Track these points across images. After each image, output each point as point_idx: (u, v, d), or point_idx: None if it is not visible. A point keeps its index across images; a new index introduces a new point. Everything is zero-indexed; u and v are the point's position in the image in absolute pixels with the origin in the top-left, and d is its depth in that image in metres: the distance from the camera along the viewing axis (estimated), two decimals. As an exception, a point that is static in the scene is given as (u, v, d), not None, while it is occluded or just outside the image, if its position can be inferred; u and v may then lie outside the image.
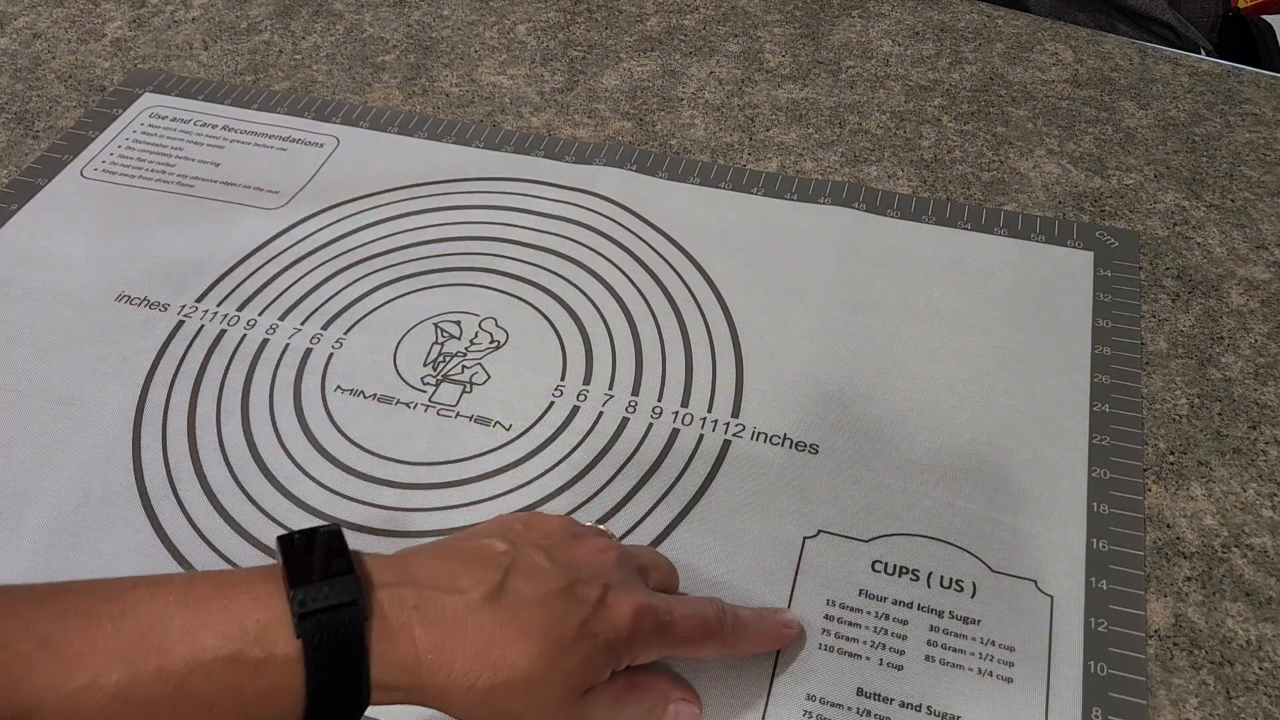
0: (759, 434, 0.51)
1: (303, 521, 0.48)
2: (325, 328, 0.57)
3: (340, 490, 0.50)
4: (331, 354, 0.55)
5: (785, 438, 0.51)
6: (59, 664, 0.30)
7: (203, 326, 0.57)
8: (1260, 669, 0.43)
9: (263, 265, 0.60)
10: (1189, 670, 0.43)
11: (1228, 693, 0.42)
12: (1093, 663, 0.43)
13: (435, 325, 0.57)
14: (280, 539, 0.35)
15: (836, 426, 0.51)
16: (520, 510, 0.48)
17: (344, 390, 0.54)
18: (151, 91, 0.72)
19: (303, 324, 0.57)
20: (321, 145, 0.67)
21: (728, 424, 0.52)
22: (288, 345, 0.56)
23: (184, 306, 0.58)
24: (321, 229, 0.62)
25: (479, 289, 0.58)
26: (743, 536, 0.47)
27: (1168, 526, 0.47)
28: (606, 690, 0.37)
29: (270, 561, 0.35)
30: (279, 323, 0.57)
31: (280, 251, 0.61)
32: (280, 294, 0.58)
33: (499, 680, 0.34)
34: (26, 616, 0.31)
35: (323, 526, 0.36)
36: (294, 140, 0.68)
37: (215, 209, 0.64)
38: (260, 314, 0.57)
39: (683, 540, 0.47)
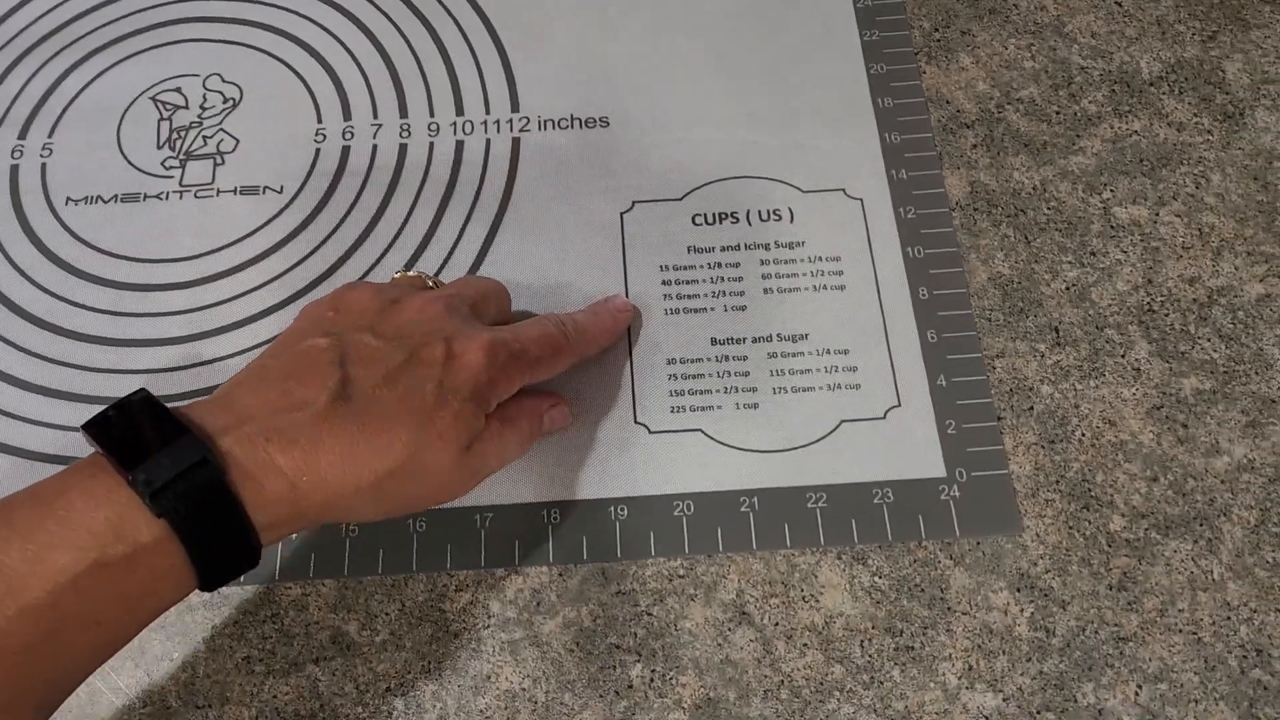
0: (545, 122, 0.49)
1: (94, 358, 0.43)
2: (22, 136, 0.48)
3: (119, 309, 0.45)
4: (43, 163, 0.48)
5: (572, 118, 0.49)
6: None
7: None
8: (1048, 209, 0.47)
9: (-89, 83, 0.50)
10: (991, 229, 0.46)
11: (1026, 239, 0.46)
12: (909, 248, 0.46)
13: (153, 100, 0.49)
14: (88, 425, 0.31)
15: (623, 93, 0.49)
16: (324, 292, 0.45)
17: (76, 201, 0.47)
18: None
19: (-6, 140, 0.48)
20: (-83, -85, 0.54)
21: (510, 120, 0.49)
22: (-13, 169, 0.48)
23: None
24: (-35, 21, 0.51)
25: (188, 44, 0.51)
26: (562, 229, 0.46)
27: (947, 102, 0.49)
28: (486, 434, 0.36)
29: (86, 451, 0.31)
30: (-37, 146, 0.48)
31: (-75, 61, 0.50)
32: (-50, 112, 0.49)
33: (381, 471, 0.33)
34: None
35: (130, 396, 0.32)
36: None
37: None
38: (-64, 142, 0.48)
39: (504, 252, 0.46)
